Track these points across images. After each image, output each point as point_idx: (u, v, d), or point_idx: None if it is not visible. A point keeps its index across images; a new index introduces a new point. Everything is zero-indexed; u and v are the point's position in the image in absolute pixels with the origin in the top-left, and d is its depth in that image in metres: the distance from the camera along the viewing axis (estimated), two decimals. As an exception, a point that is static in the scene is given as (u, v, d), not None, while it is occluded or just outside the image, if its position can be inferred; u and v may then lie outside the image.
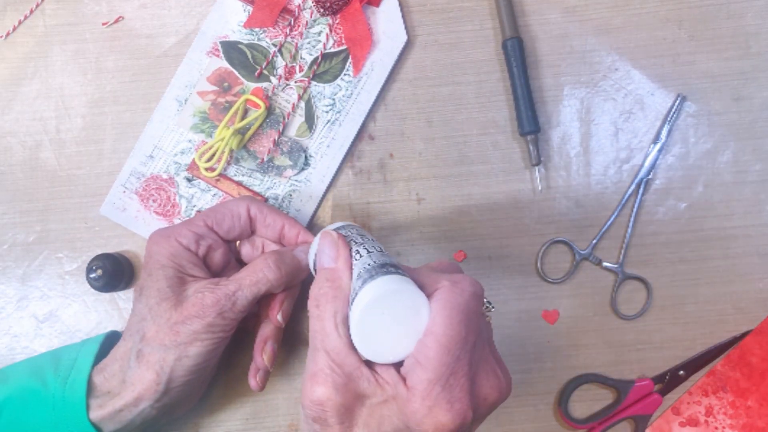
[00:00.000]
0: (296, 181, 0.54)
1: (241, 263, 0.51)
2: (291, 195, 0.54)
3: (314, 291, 0.40)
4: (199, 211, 0.54)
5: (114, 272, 0.52)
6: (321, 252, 0.41)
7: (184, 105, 0.54)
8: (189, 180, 0.54)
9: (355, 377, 0.37)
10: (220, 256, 0.49)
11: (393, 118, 0.55)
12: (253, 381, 0.49)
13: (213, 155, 0.53)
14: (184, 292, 0.46)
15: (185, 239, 0.47)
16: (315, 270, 0.44)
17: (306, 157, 0.54)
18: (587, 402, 0.54)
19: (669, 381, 0.54)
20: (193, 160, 0.54)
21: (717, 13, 0.54)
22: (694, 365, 0.54)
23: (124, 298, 0.55)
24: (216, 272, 0.49)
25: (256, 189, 0.54)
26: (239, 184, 0.54)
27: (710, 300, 0.54)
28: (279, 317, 0.49)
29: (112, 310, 0.55)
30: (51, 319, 0.55)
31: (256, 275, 0.46)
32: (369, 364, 0.38)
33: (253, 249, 0.51)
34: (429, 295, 0.37)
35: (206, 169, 0.53)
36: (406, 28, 0.54)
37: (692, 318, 0.54)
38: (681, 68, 0.54)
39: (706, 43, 0.54)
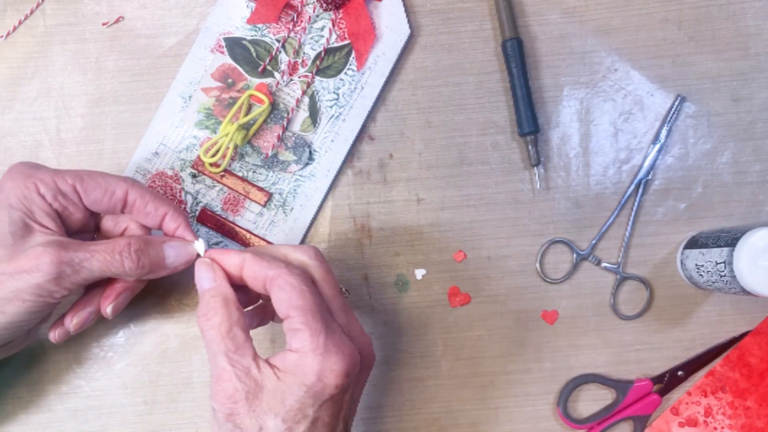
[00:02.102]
0: (301, 176, 0.54)
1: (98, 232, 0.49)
2: (296, 190, 0.54)
3: (202, 309, 0.42)
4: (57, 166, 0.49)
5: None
6: (199, 278, 0.44)
7: (189, 101, 0.54)
8: (194, 176, 0.54)
9: (252, 367, 0.41)
10: (78, 220, 0.46)
11: (393, 118, 0.55)
12: (52, 334, 0.47)
13: (218, 151, 0.53)
14: (26, 243, 0.42)
15: (44, 188, 0.43)
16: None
17: (310, 151, 0.54)
18: (586, 402, 0.54)
19: (668, 381, 0.54)
20: (198, 156, 0.54)
21: (717, 13, 0.54)
22: (693, 365, 0.54)
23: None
24: (70, 232, 0.45)
25: (261, 184, 0.54)
26: (244, 179, 0.54)
27: (710, 300, 0.54)
28: (109, 309, 0.46)
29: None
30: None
31: (113, 257, 0.43)
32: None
33: (115, 226, 0.48)
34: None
35: (211, 165, 0.53)
36: (409, 21, 0.54)
37: (692, 318, 0.54)
38: (680, 69, 0.54)
39: (706, 43, 0.54)
